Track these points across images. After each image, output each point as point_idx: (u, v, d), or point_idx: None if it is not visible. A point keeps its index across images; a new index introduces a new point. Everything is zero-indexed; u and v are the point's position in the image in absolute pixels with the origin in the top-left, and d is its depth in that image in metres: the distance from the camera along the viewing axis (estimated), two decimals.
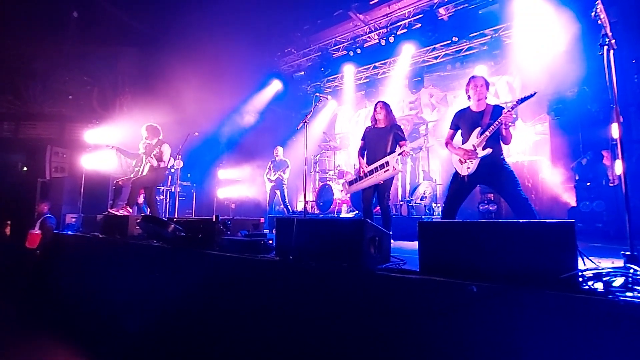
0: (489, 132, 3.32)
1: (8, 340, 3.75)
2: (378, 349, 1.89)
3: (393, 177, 4.38)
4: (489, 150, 3.32)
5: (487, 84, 3.56)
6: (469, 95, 3.61)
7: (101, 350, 3.45)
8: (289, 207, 7.88)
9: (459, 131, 3.67)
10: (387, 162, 4.16)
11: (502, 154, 3.43)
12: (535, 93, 3.30)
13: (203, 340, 2.83)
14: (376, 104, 4.45)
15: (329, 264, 2.22)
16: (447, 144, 3.70)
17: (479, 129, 3.42)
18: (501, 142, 3.40)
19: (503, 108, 3.39)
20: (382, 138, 4.29)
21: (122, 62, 9.81)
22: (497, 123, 3.28)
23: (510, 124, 3.32)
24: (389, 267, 2.22)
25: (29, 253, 5.72)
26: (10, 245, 6.22)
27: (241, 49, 8.73)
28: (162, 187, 7.44)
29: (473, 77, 3.62)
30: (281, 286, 2.43)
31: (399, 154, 4.14)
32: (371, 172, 4.27)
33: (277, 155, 7.91)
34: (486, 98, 3.57)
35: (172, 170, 6.96)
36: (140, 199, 6.28)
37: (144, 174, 5.44)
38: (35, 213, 6.14)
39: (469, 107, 3.62)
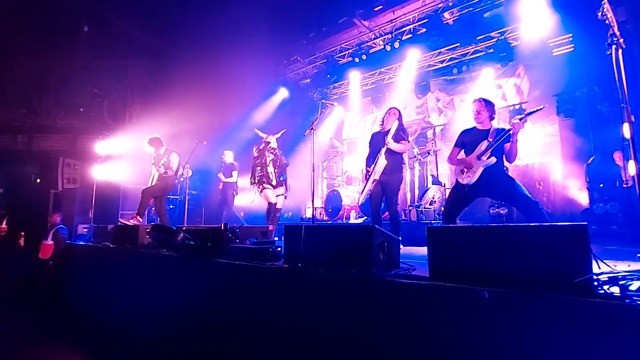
0: (496, 144, 3.36)
1: (21, 351, 3.79)
2: (387, 356, 1.87)
3: (401, 182, 4.36)
4: (493, 159, 3.33)
5: (486, 106, 3.57)
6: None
7: (112, 359, 3.46)
8: (238, 214, 7.62)
9: (463, 150, 3.70)
10: (378, 157, 4.23)
11: (504, 167, 3.49)
12: (544, 107, 3.37)
13: (212, 348, 2.82)
14: (388, 109, 4.53)
15: (338, 271, 2.20)
16: (450, 160, 3.73)
17: (486, 141, 3.45)
18: (504, 158, 3.43)
19: (506, 129, 3.42)
20: (384, 140, 4.31)
21: (132, 74, 10.01)
22: (505, 133, 3.30)
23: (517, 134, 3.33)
24: (399, 273, 2.20)
25: (42, 264, 5.80)
26: (24, 256, 6.32)
27: (248, 59, 8.83)
28: (172, 196, 7.50)
29: (473, 102, 3.67)
30: (290, 293, 2.41)
31: (385, 147, 4.19)
32: (371, 173, 4.31)
33: (224, 160, 7.71)
34: (492, 119, 3.59)
35: (182, 179, 7.02)
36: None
37: (154, 183, 5.52)
38: (48, 224, 6.24)
39: (474, 126, 3.66)
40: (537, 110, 3.33)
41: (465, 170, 3.47)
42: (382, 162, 4.17)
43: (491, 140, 3.39)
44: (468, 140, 3.61)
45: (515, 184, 3.29)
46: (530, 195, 3.22)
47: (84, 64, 9.68)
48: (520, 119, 3.27)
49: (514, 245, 1.71)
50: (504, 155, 3.42)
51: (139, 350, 3.37)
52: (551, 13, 6.67)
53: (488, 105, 3.56)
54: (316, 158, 4.68)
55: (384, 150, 4.19)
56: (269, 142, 5.67)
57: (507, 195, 3.37)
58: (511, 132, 3.25)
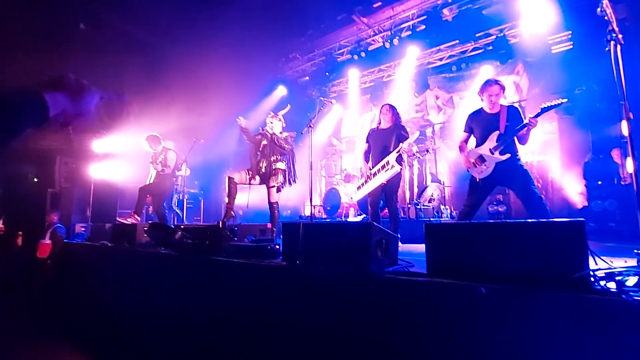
0: (509, 139, 3.31)
1: (19, 350, 3.78)
2: (385, 353, 1.86)
3: (400, 179, 4.36)
4: (507, 156, 3.30)
5: (502, 90, 3.51)
6: (482, 98, 3.56)
7: (111, 358, 3.46)
8: (173, 213, 6.96)
9: (472, 135, 3.64)
10: (387, 162, 4.17)
11: (518, 155, 3.40)
12: (562, 103, 3.23)
13: (211, 345, 2.82)
14: (382, 106, 4.47)
15: (336, 268, 2.20)
16: (461, 148, 3.64)
17: (497, 132, 3.37)
18: (517, 143, 3.37)
19: (517, 109, 3.37)
20: (386, 139, 4.30)
21: (129, 71, 9.95)
22: (518, 130, 3.26)
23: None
24: (397, 270, 2.20)
25: (40, 263, 5.78)
26: (22, 256, 6.29)
27: (246, 56, 8.81)
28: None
29: (488, 84, 3.52)
30: (288, 291, 2.41)
31: (397, 152, 4.14)
32: (375, 174, 4.27)
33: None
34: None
35: (179, 178, 7.00)
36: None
37: (151, 181, 5.51)
38: (46, 223, 6.22)
39: (481, 108, 3.58)
40: (556, 105, 3.21)
41: (478, 163, 3.42)
42: (395, 169, 4.07)
43: (503, 129, 3.33)
44: (477, 126, 3.54)
45: (526, 176, 3.25)
46: (536, 190, 3.21)
47: (81, 61, 9.63)
48: (536, 115, 3.23)
49: (512, 241, 1.71)
50: (516, 140, 3.37)
51: (138, 348, 3.37)
52: (550, 10, 6.67)
53: (502, 89, 3.50)
54: (314, 156, 4.67)
55: (394, 156, 4.12)
56: (266, 124, 4.83)
57: (516, 185, 3.32)
58: (525, 129, 3.23)
